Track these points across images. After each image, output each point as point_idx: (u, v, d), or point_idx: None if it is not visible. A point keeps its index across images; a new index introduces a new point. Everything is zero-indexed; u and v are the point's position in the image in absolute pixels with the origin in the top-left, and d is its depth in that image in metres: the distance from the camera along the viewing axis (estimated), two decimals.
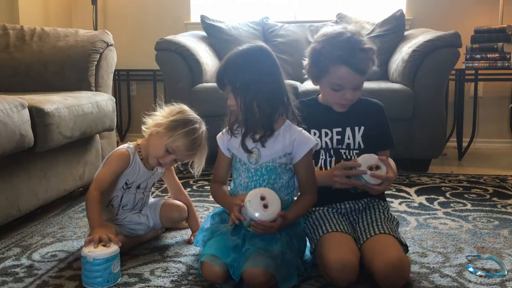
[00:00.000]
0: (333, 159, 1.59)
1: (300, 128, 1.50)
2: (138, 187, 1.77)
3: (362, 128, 1.60)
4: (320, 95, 1.69)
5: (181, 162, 1.75)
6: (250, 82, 1.42)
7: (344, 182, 1.51)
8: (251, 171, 1.50)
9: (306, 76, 1.64)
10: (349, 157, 1.58)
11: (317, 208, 1.60)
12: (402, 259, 1.39)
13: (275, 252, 1.38)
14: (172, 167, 1.85)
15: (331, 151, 1.60)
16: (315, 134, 1.60)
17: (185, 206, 1.85)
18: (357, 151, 1.59)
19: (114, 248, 1.43)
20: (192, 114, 1.73)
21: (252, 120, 1.45)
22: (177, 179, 1.90)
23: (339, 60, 1.51)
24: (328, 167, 1.59)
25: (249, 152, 1.49)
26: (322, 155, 1.60)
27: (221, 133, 1.59)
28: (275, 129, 1.48)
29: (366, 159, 1.49)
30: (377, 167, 1.48)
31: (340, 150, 1.59)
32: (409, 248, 1.60)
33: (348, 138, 1.59)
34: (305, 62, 1.62)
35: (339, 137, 1.60)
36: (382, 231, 1.46)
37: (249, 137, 1.48)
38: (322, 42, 1.55)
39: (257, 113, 1.44)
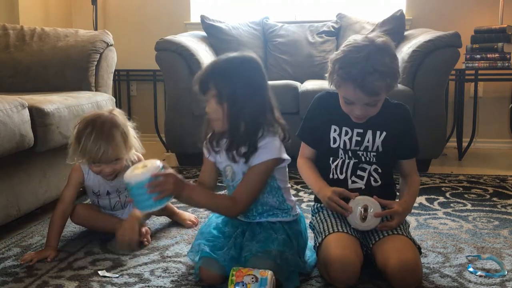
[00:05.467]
0: (352, 161, 1.56)
1: (275, 139, 1.42)
2: (108, 193, 1.80)
3: (384, 133, 1.56)
4: None
5: (114, 159, 1.67)
6: (238, 93, 1.36)
7: (332, 207, 1.49)
8: (230, 187, 1.50)
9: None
10: (367, 159, 1.56)
11: None
12: (417, 261, 1.40)
13: (273, 253, 1.38)
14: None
15: (349, 152, 1.57)
16: (335, 130, 1.57)
17: None
18: (375, 153, 1.56)
19: (156, 165, 1.34)
20: (91, 113, 1.73)
21: (237, 134, 1.39)
22: None
23: (348, 77, 1.44)
24: (345, 169, 1.57)
25: (235, 161, 1.44)
26: (341, 155, 1.57)
27: (204, 146, 1.53)
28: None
29: (360, 201, 1.47)
30: (365, 209, 1.45)
31: (358, 152, 1.57)
32: None
33: (368, 141, 1.56)
34: (328, 67, 1.56)
35: (358, 138, 1.56)
36: (396, 232, 1.46)
37: (233, 150, 1.42)
38: (343, 52, 1.48)
39: (242, 127, 1.38)
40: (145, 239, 1.76)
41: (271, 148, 1.41)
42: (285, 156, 1.46)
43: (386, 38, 1.50)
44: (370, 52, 1.43)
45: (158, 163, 1.34)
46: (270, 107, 1.43)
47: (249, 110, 1.37)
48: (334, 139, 1.58)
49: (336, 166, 1.58)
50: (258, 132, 1.41)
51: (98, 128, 1.64)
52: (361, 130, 1.57)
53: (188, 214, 1.99)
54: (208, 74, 1.39)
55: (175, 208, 1.97)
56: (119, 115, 1.73)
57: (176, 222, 1.96)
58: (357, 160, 1.57)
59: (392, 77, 1.46)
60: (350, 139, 1.57)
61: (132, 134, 1.75)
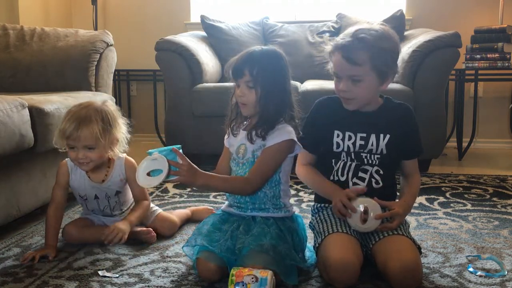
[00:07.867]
0: (354, 163, 1.56)
1: (289, 126, 1.50)
2: (96, 197, 1.77)
3: (388, 136, 1.55)
4: None
5: (88, 148, 1.65)
6: (270, 80, 1.47)
7: (338, 210, 1.49)
8: (239, 165, 1.55)
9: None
10: (370, 161, 1.56)
11: (331, 205, 1.57)
12: (418, 262, 1.40)
13: (265, 246, 1.39)
14: None
15: (352, 154, 1.56)
16: (338, 135, 1.57)
17: (177, 222, 1.87)
18: (379, 156, 1.56)
19: (176, 146, 1.44)
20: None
21: (266, 116, 1.48)
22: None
23: (335, 46, 1.52)
24: (347, 170, 1.56)
25: (252, 142, 1.51)
26: (343, 158, 1.57)
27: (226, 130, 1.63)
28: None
29: (360, 202, 1.47)
30: (365, 212, 1.46)
31: (362, 154, 1.56)
32: None
33: (372, 145, 1.55)
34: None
35: (362, 142, 1.55)
36: (396, 232, 1.46)
37: (253, 131, 1.50)
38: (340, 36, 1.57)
39: (271, 110, 1.48)
40: (152, 235, 1.76)
41: (286, 131, 1.49)
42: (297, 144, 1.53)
43: (386, 26, 1.55)
44: (362, 27, 1.50)
45: (178, 145, 1.45)
46: (291, 103, 1.52)
47: (278, 95, 1.49)
48: (338, 144, 1.57)
49: (338, 167, 1.58)
50: (280, 117, 1.50)
51: (78, 111, 1.67)
52: (364, 134, 1.56)
53: (202, 208, 2.02)
54: (243, 62, 1.48)
55: (189, 210, 2.01)
56: (111, 107, 1.74)
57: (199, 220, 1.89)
58: (359, 162, 1.56)
59: (377, 52, 1.46)
60: (354, 143, 1.56)
61: (122, 130, 1.73)
